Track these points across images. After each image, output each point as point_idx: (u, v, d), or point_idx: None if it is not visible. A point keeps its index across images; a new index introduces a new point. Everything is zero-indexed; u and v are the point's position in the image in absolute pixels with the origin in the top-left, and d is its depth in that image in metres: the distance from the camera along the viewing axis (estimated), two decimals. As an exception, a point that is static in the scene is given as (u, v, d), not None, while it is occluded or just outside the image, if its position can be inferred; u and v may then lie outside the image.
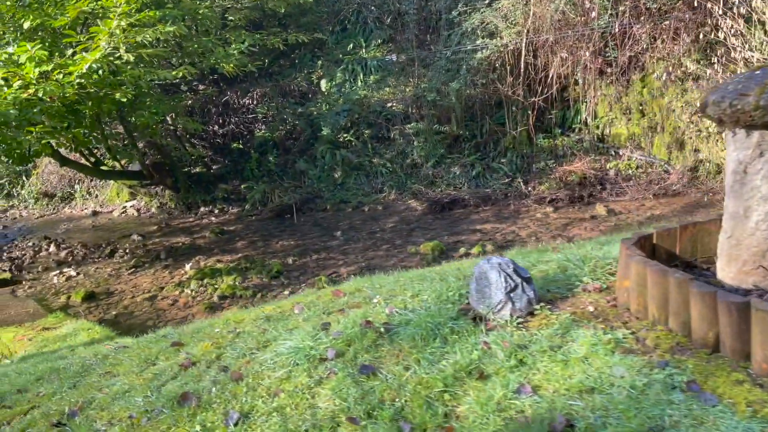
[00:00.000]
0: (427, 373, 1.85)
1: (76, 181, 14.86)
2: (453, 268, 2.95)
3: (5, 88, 6.95)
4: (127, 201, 14.02)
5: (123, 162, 13.58)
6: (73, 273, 9.37)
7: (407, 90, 13.62)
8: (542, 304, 2.15)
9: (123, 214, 13.50)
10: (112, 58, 7.58)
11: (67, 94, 7.14)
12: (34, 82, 7.01)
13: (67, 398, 2.52)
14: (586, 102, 11.62)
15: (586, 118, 11.70)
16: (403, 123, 12.88)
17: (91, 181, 14.76)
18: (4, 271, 9.68)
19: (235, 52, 8.98)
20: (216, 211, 12.73)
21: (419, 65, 13.00)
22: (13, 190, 15.43)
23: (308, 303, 2.81)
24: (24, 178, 15.31)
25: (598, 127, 11.59)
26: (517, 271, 2.15)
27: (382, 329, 2.16)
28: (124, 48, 7.13)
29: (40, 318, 7.48)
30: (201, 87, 14.30)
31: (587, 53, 10.88)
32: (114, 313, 7.78)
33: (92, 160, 11.80)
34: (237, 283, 8.34)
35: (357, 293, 2.77)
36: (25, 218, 14.44)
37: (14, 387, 2.93)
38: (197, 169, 13.81)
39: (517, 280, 2.13)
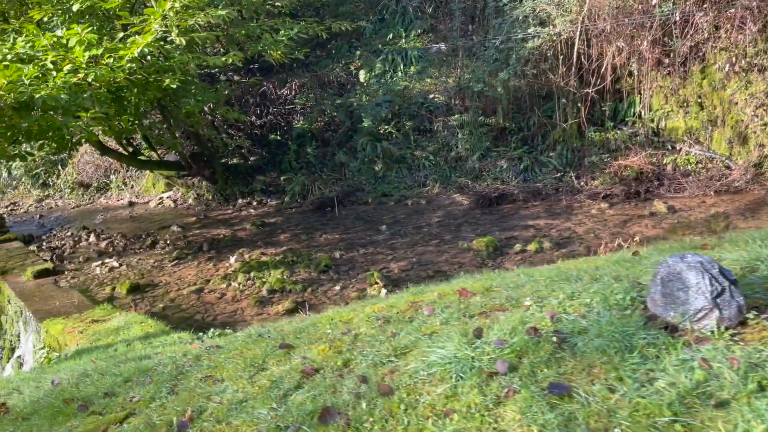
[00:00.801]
0: (642, 396, 1.52)
1: (112, 171, 14.75)
2: (591, 267, 2.60)
3: (54, 72, 6.73)
4: (163, 192, 13.86)
5: (160, 152, 13.43)
6: (115, 264, 9.20)
7: (449, 81, 13.24)
8: (754, 312, 1.79)
9: (159, 205, 13.35)
10: (162, 43, 7.34)
11: (118, 79, 6.91)
12: (84, 66, 6.79)
13: (170, 406, 2.23)
14: (640, 94, 11.13)
15: (640, 111, 11.20)
16: (446, 115, 12.50)
17: (127, 171, 14.65)
18: (45, 260, 9.54)
19: (284, 38, 8.69)
20: (254, 203, 12.50)
21: (464, 55, 12.59)
22: (49, 179, 15.38)
23: (430, 302, 2.49)
24: (60, 167, 15.25)
25: (652, 121, 11.09)
26: (723, 273, 1.79)
27: (554, 338, 1.83)
28: (177, 31, 6.86)
29: (87, 310, 7.28)
30: (236, 77, 14.05)
31: (645, 43, 10.38)
32: (161, 305, 7.57)
33: (130, 149, 11.65)
34: (285, 277, 8.07)
35: (489, 293, 2.45)
36: (61, 208, 14.38)
37: (100, 389, 2.66)
38: (234, 161, 13.60)
39: (724, 283, 1.78)
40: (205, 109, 11.26)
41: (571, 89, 10.87)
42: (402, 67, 13.75)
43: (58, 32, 7.09)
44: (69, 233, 11.36)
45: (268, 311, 7.23)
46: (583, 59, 10.96)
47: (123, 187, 14.53)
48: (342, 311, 2.94)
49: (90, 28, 6.94)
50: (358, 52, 14.69)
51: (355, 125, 13.06)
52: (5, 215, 12.74)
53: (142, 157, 12.04)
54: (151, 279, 8.60)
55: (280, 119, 13.72)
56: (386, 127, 12.61)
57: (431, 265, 8.17)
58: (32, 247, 10.44)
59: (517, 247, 8.36)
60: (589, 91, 10.89)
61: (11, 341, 8.32)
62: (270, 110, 13.69)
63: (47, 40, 6.59)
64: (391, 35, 14.43)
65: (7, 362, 8.23)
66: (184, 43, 6.98)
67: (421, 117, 12.65)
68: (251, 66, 13.61)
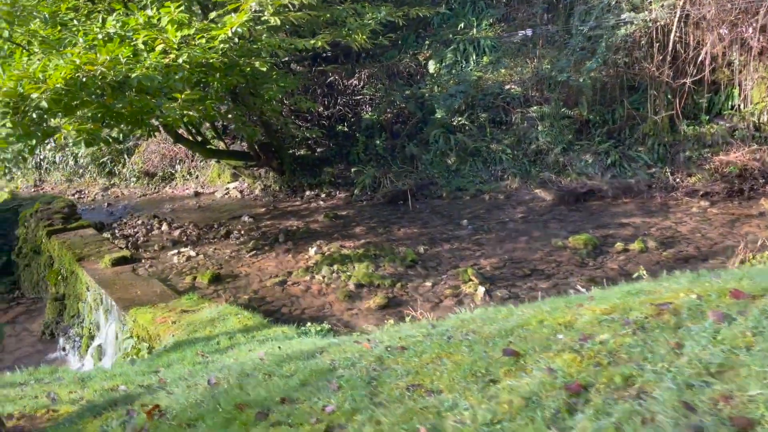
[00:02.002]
0: None
1: (177, 161, 14.68)
2: None
3: (144, 53, 6.49)
4: (228, 182, 13.71)
5: (226, 142, 13.26)
6: (192, 253, 8.99)
7: (525, 71, 12.65)
8: None
9: (226, 196, 13.18)
10: (252, 23, 7.03)
11: (210, 60, 6.62)
12: (176, 47, 6.53)
13: (388, 421, 1.83)
14: (739, 85, 10.33)
15: (738, 104, 10.41)
16: (523, 106, 11.93)
17: (192, 161, 14.56)
18: (121, 248, 9.42)
19: (371, 22, 8.30)
20: (323, 195, 12.19)
21: (544, 44, 11.99)
22: (115, 168, 15.44)
23: (683, 305, 2.03)
24: (126, 156, 15.28)
25: (753, 114, 10.28)
26: None
27: None
28: (272, 10, 6.53)
29: (171, 299, 7.06)
30: (299, 67, 13.75)
31: (750, 30, 9.60)
32: (246, 297, 7.28)
33: (199, 138, 11.48)
34: (371, 271, 7.69)
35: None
36: (127, 196, 14.38)
37: (273, 393, 2.29)
38: (301, 152, 13.32)
39: None
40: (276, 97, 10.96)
41: (666, 79, 10.16)
42: (474, 57, 13.22)
43: (148, 12, 6.85)
44: (140, 221, 11.26)
45: (358, 306, 6.86)
46: (678, 47, 10.24)
47: (188, 177, 14.45)
48: (547, 311, 2.49)
49: (181, 7, 6.67)
50: (426, 42, 14.22)
51: (425, 117, 12.61)
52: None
53: (211, 147, 11.88)
54: (231, 269, 8.34)
55: (347, 110, 13.38)
56: (459, 118, 12.12)
57: (525, 263, 7.67)
58: (106, 235, 10.35)
59: (619, 246, 7.78)
60: (686, 81, 10.16)
61: (90, 329, 8.19)
62: (338, 101, 13.36)
63: (142, 18, 6.34)
64: (462, 24, 13.90)
65: (87, 351, 8.10)
66: (279, 23, 6.65)
67: (496, 108, 12.10)
68: (317, 55, 13.30)
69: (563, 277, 7.15)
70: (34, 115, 5.66)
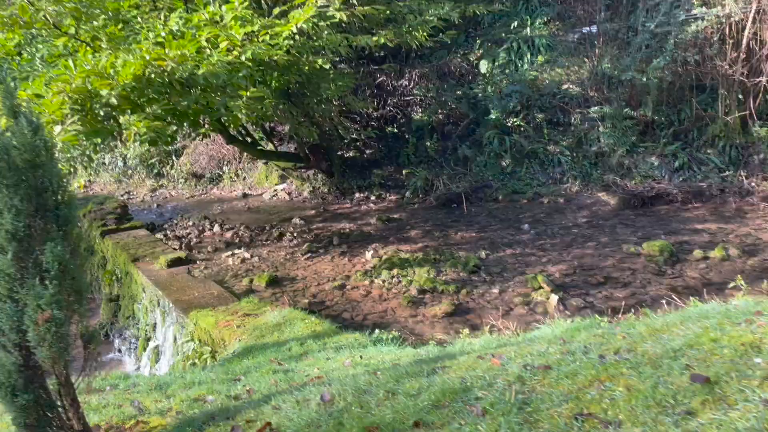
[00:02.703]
0: None
1: (225, 162, 14.68)
2: None
3: (207, 50, 6.35)
4: (276, 184, 13.61)
5: (273, 143, 13.17)
6: (246, 255, 8.85)
7: (583, 70, 12.22)
8: None
9: (274, 197, 13.08)
10: (316, 19, 6.83)
11: (275, 57, 6.45)
12: (239, 44, 6.37)
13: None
14: (820, 84, 9.71)
15: (818, 104, 9.78)
16: (582, 106, 11.49)
17: (239, 163, 14.53)
18: (175, 249, 9.35)
19: (433, 18, 8.04)
20: (372, 198, 11.97)
21: (604, 42, 11.54)
22: (163, 169, 15.53)
23: None
24: (174, 158, 15.37)
25: (834, 115, 9.65)
26: None
27: None
28: (338, 5, 6.33)
29: (230, 302, 6.90)
30: (346, 68, 13.55)
31: (834, 24, 9.00)
32: (305, 301, 7.07)
33: (248, 139, 11.40)
34: (432, 276, 7.40)
35: None
36: (175, 198, 14.43)
37: (403, 416, 2.02)
38: (350, 154, 13.14)
39: None
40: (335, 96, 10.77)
41: (741, 78, 9.61)
42: (529, 56, 12.83)
43: (211, 8, 6.71)
44: (191, 223, 11.23)
45: (423, 313, 6.58)
46: (753, 44, 9.68)
47: (235, 178, 14.42)
48: (711, 328, 2.16)
49: (245, 3, 6.51)
50: (477, 42, 13.88)
51: (478, 118, 12.27)
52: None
53: (261, 148, 11.78)
54: (287, 272, 8.16)
55: (397, 111, 13.14)
56: (514, 119, 11.75)
57: (597, 271, 7.27)
58: (159, 236, 10.32)
59: (697, 253, 7.32)
60: (761, 80, 9.59)
61: (146, 331, 8.11)
62: (387, 102, 13.14)
63: (207, 14, 6.20)
64: (515, 23, 13.52)
65: (143, 353, 8.02)
66: (345, 18, 6.44)
67: (553, 109, 11.70)
68: (363, 56, 13.09)
69: (640, 285, 6.73)
70: (102, 113, 5.57)
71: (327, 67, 7.17)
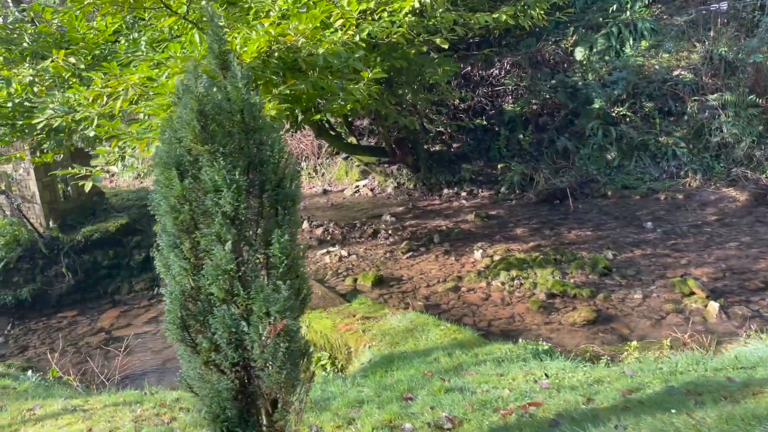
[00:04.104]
0: None
1: (303, 158, 14.30)
2: None
3: (321, 30, 5.81)
4: (357, 180, 13.11)
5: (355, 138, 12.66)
6: (343, 253, 8.34)
7: (694, 55, 11.16)
8: None
9: (356, 194, 12.58)
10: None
11: (395, 35, 5.87)
12: (355, 22, 5.81)
13: None
14: None
15: None
16: (694, 94, 10.46)
17: (318, 158, 14.12)
18: (267, 246, 8.93)
19: (553, -7, 7.30)
20: (463, 194, 11.28)
21: (723, 23, 10.47)
22: (240, 165, 15.29)
23: None
24: (251, 153, 15.10)
25: None
26: None
27: None
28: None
29: (337, 303, 6.38)
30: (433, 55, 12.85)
31: None
32: (419, 303, 6.47)
33: (331, 132, 10.92)
34: (557, 278, 6.67)
35: None
36: (253, 194, 14.13)
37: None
38: (436, 148, 12.49)
39: None
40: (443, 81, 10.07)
41: None
42: (631, 41, 11.84)
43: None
44: (276, 219, 10.83)
45: (557, 319, 5.86)
46: None
47: (314, 174, 14.01)
48: None
49: (361, -22, 5.94)
50: (570, 28, 12.97)
51: (577, 108, 11.40)
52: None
53: (347, 142, 11.29)
54: (390, 271, 7.59)
55: (486, 102, 12.41)
56: (619, 108, 10.82)
57: (751, 274, 6.36)
58: (247, 232, 9.95)
59: None
60: None
61: (244, 331, 7.70)
62: (478, 92, 12.41)
63: (324, -11, 5.66)
64: (613, 7, 12.54)
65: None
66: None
67: (663, 97, 10.70)
68: (452, 45, 12.38)
69: (813, 292, 5.80)
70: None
71: (446, 46, 6.53)
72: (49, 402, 3.41)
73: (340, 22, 5.87)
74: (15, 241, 10.22)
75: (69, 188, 11.23)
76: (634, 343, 4.46)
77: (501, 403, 2.83)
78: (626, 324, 5.62)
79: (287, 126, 8.27)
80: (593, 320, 5.68)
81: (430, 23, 6.72)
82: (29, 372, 4.81)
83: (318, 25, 5.10)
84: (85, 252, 10.67)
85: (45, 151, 7.94)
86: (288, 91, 5.06)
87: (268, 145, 1.72)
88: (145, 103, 5.14)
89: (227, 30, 5.30)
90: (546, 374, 3.38)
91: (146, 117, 5.24)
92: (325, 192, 13.15)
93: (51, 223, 10.67)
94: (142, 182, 16.43)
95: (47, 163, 9.12)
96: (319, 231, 9.65)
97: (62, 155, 9.32)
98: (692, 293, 5.95)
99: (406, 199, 11.58)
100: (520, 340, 4.93)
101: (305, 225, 10.08)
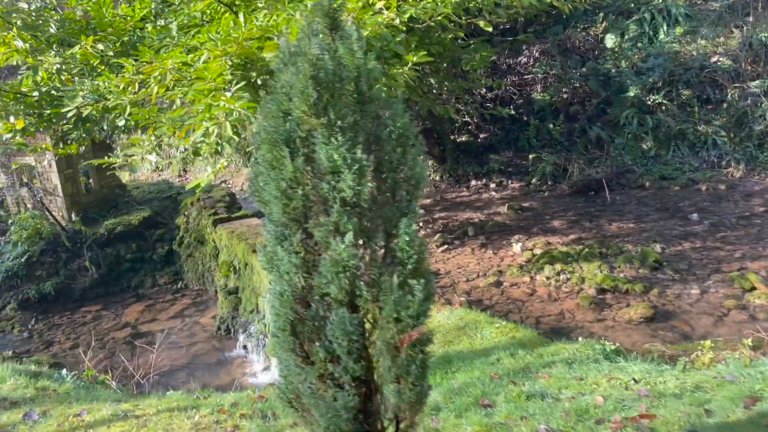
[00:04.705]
0: None
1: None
2: None
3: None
4: (381, 171, 12.82)
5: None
6: (375, 246, 8.07)
7: (731, 41, 10.76)
8: None
9: (381, 186, 12.30)
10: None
11: (438, 18, 5.58)
12: (395, 3, 5.51)
13: None
14: None
15: None
16: (734, 81, 10.08)
17: (340, 149, 13.84)
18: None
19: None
20: (493, 185, 10.98)
21: (764, 7, 10.07)
22: (260, 158, 15.05)
23: None
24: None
25: None
26: None
27: None
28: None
29: (377, 298, 6.12)
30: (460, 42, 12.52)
31: None
32: (461, 298, 6.20)
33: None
34: (605, 272, 6.37)
35: None
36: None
37: None
38: (462, 138, 12.19)
39: None
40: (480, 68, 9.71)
41: None
42: (665, 27, 11.45)
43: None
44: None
45: (611, 317, 5.58)
46: None
47: (335, 166, 13.74)
48: None
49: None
50: (600, 14, 12.58)
51: (610, 96, 11.04)
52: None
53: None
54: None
55: (514, 91, 12.07)
56: (655, 96, 10.45)
57: (815, 269, 6.03)
58: (273, 225, 9.71)
59: None
60: None
61: (275, 327, 7.47)
62: (503, 81, 12.06)
63: (364, -32, 5.37)
64: (646, -9, 12.13)
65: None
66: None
67: (701, 85, 10.32)
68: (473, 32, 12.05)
69: None
70: (259, 81, 4.86)
71: (490, 29, 6.22)
72: (96, 407, 3.18)
73: (381, 3, 5.57)
74: (37, 234, 10.04)
75: (91, 181, 11.04)
76: (708, 342, 4.16)
77: (600, 412, 2.56)
78: (686, 321, 5.33)
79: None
80: (651, 317, 5.39)
81: (471, 5, 6.40)
82: (63, 371, 4.59)
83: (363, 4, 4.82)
84: (107, 245, 10.49)
85: (69, 142, 7.75)
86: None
87: (388, 119, 1.45)
88: (181, 89, 4.90)
89: (267, 12, 5.05)
90: (634, 379, 3.11)
91: (182, 104, 5.00)
92: (348, 184, 12.88)
93: (73, 216, 10.49)
94: (160, 175, 16.25)
95: (70, 154, 8.94)
96: (347, 224, 9.39)
97: (85, 147, 9.12)
98: (753, 288, 5.64)
99: (433, 191, 11.29)
100: (580, 338, 4.66)
101: (332, 218, 9.83)
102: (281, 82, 1.43)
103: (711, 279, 6.04)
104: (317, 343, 1.36)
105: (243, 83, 4.43)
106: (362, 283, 1.35)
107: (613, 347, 4.31)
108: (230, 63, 4.43)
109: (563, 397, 2.96)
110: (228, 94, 4.08)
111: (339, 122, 1.34)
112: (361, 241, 1.38)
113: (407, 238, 1.38)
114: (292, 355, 1.38)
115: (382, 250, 1.42)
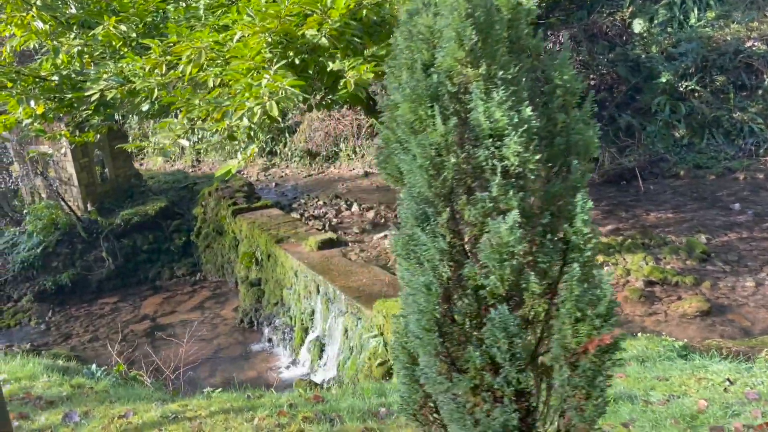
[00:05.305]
0: None
1: (342, 139, 13.75)
2: None
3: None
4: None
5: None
6: (404, 237, 7.81)
7: (765, 26, 10.40)
8: None
9: (401, 175, 12.01)
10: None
11: None
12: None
13: None
14: None
15: None
16: (770, 67, 9.73)
17: (358, 139, 13.56)
18: (319, 230, 8.45)
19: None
20: (518, 175, 10.67)
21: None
22: (275, 147, 14.81)
23: None
24: (287, 135, 14.60)
25: None
26: None
27: None
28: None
29: (413, 291, 5.86)
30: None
31: None
32: (502, 292, 5.93)
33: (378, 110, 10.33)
34: (651, 264, 6.09)
35: None
36: (291, 177, 13.65)
37: None
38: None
39: None
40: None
41: None
42: (696, 11, 11.09)
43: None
44: (321, 202, 10.34)
45: (663, 310, 5.30)
46: None
47: (353, 156, 13.47)
48: None
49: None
50: (626, -1, 12.20)
51: (639, 83, 10.70)
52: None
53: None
54: (460, 257, 7.05)
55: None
56: (687, 83, 10.11)
57: None
58: (294, 215, 9.47)
59: None
60: None
61: (302, 320, 7.24)
62: (528, 68, 11.75)
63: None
64: (675, -25, 11.75)
65: (301, 345, 7.15)
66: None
67: (736, 70, 9.98)
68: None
69: None
70: (296, 61, 4.58)
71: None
72: (141, 407, 2.93)
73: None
74: (53, 224, 9.82)
75: (106, 170, 10.80)
76: (765, 337, 3.90)
77: (710, 419, 2.29)
78: (744, 315, 5.05)
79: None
80: (707, 311, 5.11)
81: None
82: (93, 366, 4.35)
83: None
84: (124, 236, 10.27)
85: (85, 129, 7.50)
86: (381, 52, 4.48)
87: (553, 70, 1.19)
88: (215, 69, 4.63)
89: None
90: (729, 380, 2.83)
91: (215, 86, 4.73)
92: (366, 174, 12.61)
93: (89, 206, 10.26)
94: (173, 164, 16.00)
95: (86, 143, 8.69)
96: (370, 214, 9.13)
97: (101, 135, 8.87)
98: (816, 281, 5.35)
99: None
100: (639, 334, 4.38)
101: (354, 209, 9.58)
102: (419, 27, 1.16)
103: (764, 271, 5.76)
104: (471, 348, 1.09)
105: (283, 62, 4.15)
106: (532, 273, 1.08)
107: (680, 343, 4.04)
108: (269, 40, 4.15)
109: (654, 399, 2.70)
110: (270, 72, 3.80)
111: (501, 72, 1.07)
112: (525, 221, 1.12)
113: (585, 217, 1.11)
114: (436, 362, 1.12)
115: (549, 233, 1.16)
